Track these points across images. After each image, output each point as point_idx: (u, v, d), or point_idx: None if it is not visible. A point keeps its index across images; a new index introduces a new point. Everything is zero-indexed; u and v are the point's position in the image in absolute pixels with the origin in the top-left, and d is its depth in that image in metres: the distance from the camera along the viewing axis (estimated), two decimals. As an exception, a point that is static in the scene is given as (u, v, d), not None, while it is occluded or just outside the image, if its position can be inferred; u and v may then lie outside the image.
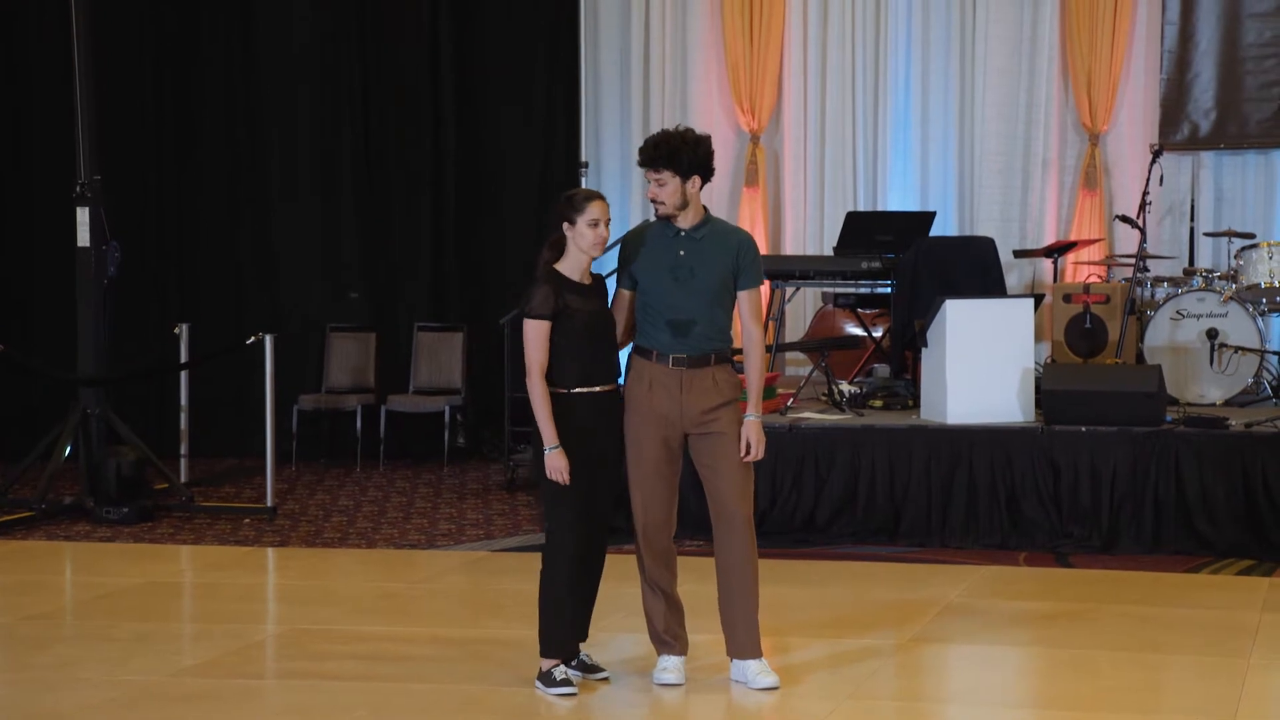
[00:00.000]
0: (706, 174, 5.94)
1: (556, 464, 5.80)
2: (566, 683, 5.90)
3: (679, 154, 5.86)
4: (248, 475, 11.36)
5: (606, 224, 5.90)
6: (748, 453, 5.89)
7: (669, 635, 6.05)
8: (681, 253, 5.92)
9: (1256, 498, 8.49)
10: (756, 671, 5.98)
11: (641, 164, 5.94)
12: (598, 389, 5.89)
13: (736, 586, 5.97)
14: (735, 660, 6.04)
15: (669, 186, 5.87)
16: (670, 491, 5.97)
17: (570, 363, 5.86)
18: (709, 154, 5.93)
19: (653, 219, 6.04)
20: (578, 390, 5.86)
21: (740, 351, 6.03)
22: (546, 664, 5.95)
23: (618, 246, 6.10)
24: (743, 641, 6.01)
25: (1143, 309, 10.28)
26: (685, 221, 5.93)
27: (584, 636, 6.08)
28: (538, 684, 5.94)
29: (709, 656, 6.25)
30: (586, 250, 5.87)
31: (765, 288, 10.24)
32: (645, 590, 6.04)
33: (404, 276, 12.54)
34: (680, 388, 5.91)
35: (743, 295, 5.97)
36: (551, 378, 5.86)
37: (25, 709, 5.86)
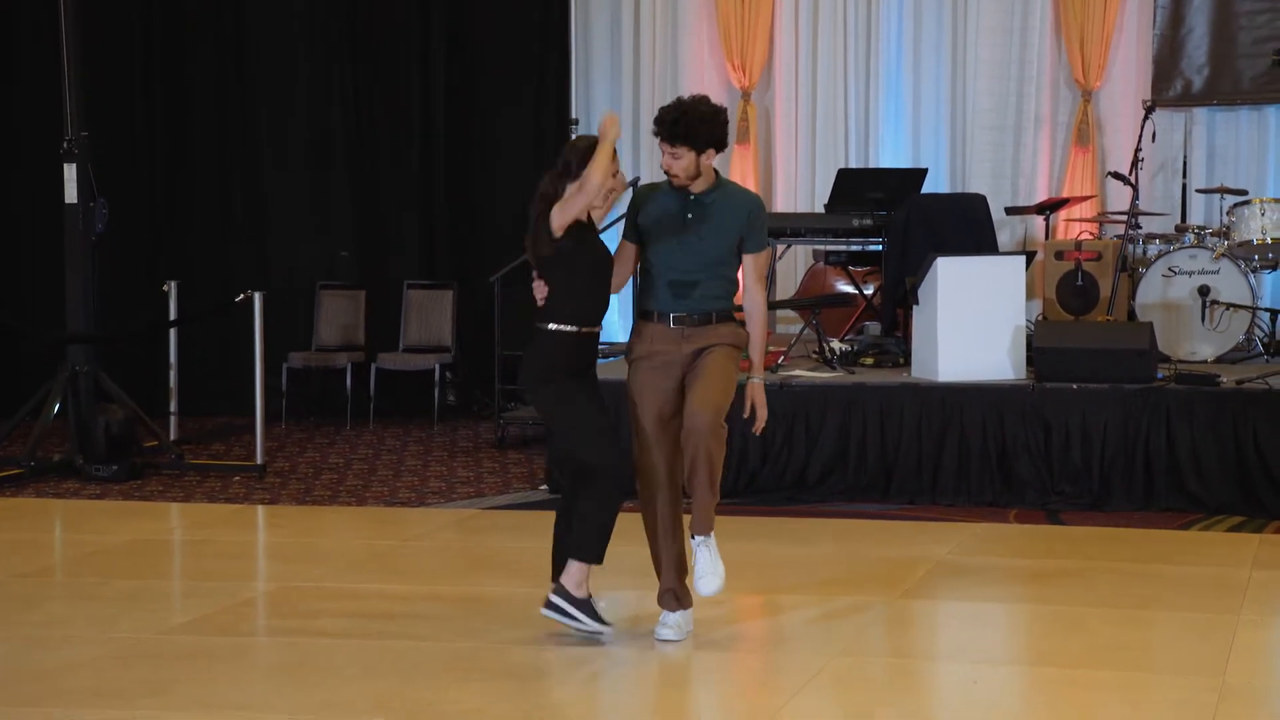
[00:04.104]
0: (721, 146, 5.96)
1: (610, 119, 5.99)
2: (602, 620, 5.98)
3: (697, 130, 5.87)
4: (237, 433, 11.34)
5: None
6: (752, 418, 5.97)
7: (670, 591, 6.06)
8: (690, 216, 5.95)
9: (1247, 455, 8.49)
10: (700, 572, 5.96)
11: (656, 135, 5.94)
12: (586, 330, 5.97)
13: (693, 469, 5.88)
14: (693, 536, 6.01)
15: (684, 160, 5.89)
16: (674, 445, 5.97)
17: (582, 299, 5.91)
18: (725, 126, 5.96)
19: (643, 181, 6.05)
20: (585, 330, 5.93)
21: (741, 309, 6.04)
22: (586, 589, 5.96)
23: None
24: (698, 519, 5.96)
25: (1135, 266, 10.26)
26: (697, 186, 5.95)
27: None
28: (575, 611, 5.96)
29: (708, 612, 6.24)
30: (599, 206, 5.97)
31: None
32: (650, 546, 6.04)
33: (394, 234, 12.50)
34: (681, 340, 5.95)
35: (748, 259, 5.99)
36: (554, 314, 5.89)
37: (15, 667, 5.86)
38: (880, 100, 11.90)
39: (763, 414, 6.01)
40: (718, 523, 6.05)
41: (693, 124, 5.86)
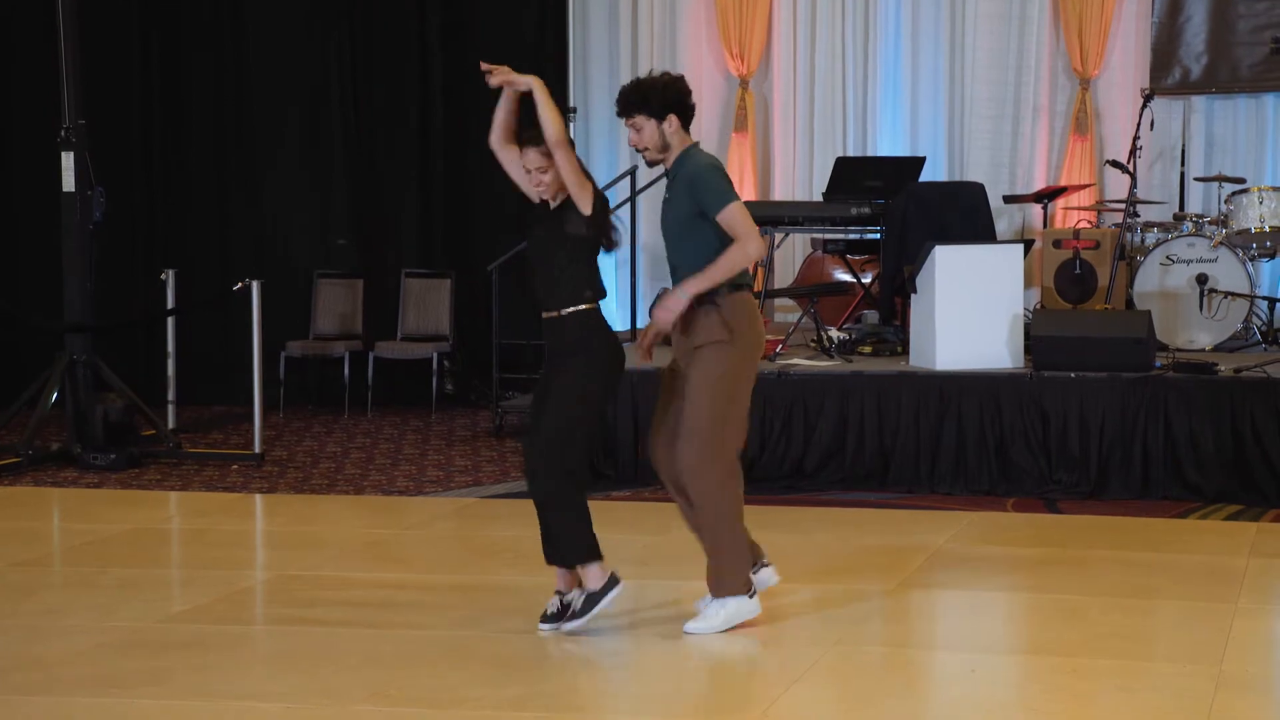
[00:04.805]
0: (682, 112, 5.89)
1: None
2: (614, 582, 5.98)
3: (648, 97, 5.87)
4: (235, 422, 11.35)
5: (540, 171, 5.96)
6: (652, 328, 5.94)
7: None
8: (667, 195, 5.97)
9: (1245, 443, 8.50)
10: (699, 614, 6.04)
11: (617, 115, 5.96)
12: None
13: (699, 530, 6.01)
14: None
15: (645, 131, 5.89)
16: (664, 416, 6.00)
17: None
18: (682, 92, 5.90)
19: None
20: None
21: (748, 283, 5.95)
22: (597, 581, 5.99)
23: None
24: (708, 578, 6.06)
25: (1133, 254, 10.26)
26: (671, 162, 5.95)
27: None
28: (590, 612, 5.97)
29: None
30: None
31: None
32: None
33: (392, 223, 12.49)
34: (680, 324, 5.93)
35: (716, 221, 5.83)
36: (587, 294, 5.89)
37: (14, 655, 5.86)
38: (878, 88, 11.90)
39: (662, 321, 5.83)
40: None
41: (644, 92, 5.86)
